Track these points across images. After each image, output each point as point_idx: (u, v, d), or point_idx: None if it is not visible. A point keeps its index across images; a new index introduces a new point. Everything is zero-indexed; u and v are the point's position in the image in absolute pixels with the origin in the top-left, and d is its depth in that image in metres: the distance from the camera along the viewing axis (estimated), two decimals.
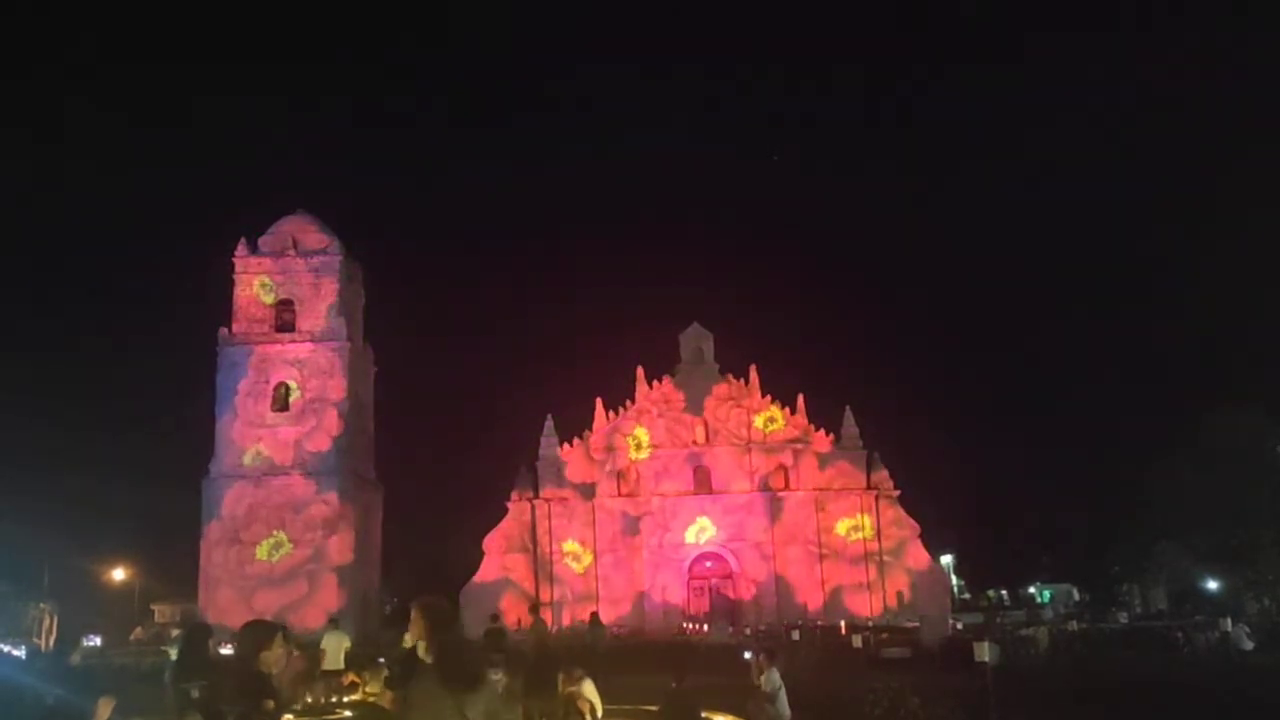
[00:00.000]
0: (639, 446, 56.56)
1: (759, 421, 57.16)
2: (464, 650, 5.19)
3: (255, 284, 54.40)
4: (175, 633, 21.52)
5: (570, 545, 55.41)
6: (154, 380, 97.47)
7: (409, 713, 5.19)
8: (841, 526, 56.01)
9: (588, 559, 55.28)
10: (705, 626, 47.85)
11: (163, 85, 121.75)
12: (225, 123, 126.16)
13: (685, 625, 49.68)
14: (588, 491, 56.15)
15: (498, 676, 15.48)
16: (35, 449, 60.43)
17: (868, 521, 56.25)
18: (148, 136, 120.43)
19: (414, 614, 5.35)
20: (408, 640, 5.69)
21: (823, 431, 57.66)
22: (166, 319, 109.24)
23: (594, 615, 29.78)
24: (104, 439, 70.15)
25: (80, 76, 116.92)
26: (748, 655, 18.07)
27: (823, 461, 57.05)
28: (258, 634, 6.09)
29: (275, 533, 51.16)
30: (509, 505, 56.60)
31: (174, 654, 17.69)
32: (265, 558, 50.92)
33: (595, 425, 57.23)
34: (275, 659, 6.11)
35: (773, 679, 13.75)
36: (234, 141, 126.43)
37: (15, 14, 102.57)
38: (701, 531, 55.54)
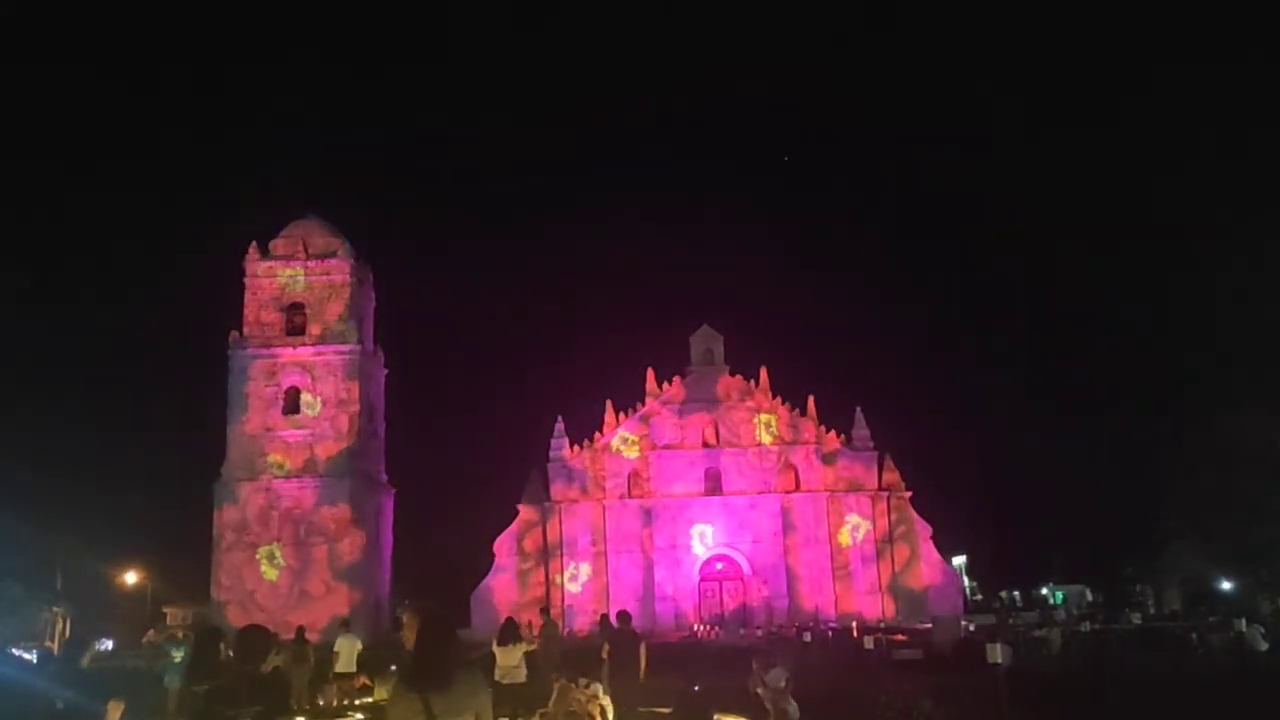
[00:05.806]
0: (648, 448, 56.53)
1: (769, 423, 57.06)
2: (437, 650, 5.12)
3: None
4: (178, 635, 21.47)
5: (580, 548, 55.40)
6: (165, 383, 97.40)
7: (386, 713, 5.20)
8: (851, 529, 55.88)
9: (598, 562, 55.24)
10: (716, 629, 47.77)
11: (170, 86, 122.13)
12: (235, 125, 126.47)
13: (696, 628, 49.60)
14: (598, 494, 56.13)
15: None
16: (46, 452, 60.55)
17: (879, 523, 56.14)
18: (155, 138, 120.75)
19: (406, 617, 5.43)
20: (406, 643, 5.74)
21: (834, 432, 57.55)
22: (177, 322, 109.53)
23: (604, 617, 29.70)
24: (115, 442, 70.26)
25: (83, 77, 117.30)
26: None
27: (834, 462, 56.93)
28: (255, 640, 6.08)
29: (285, 536, 51.29)
30: (519, 507, 56.66)
31: (176, 657, 17.72)
32: (276, 561, 51.05)
33: (605, 427, 57.22)
34: (270, 663, 6.22)
35: (778, 677, 13.73)
36: (244, 144, 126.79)
37: (19, 12, 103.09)
38: (711, 534, 55.50)
